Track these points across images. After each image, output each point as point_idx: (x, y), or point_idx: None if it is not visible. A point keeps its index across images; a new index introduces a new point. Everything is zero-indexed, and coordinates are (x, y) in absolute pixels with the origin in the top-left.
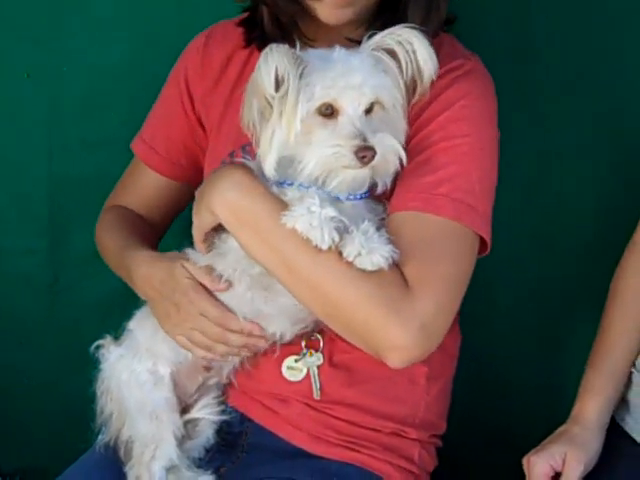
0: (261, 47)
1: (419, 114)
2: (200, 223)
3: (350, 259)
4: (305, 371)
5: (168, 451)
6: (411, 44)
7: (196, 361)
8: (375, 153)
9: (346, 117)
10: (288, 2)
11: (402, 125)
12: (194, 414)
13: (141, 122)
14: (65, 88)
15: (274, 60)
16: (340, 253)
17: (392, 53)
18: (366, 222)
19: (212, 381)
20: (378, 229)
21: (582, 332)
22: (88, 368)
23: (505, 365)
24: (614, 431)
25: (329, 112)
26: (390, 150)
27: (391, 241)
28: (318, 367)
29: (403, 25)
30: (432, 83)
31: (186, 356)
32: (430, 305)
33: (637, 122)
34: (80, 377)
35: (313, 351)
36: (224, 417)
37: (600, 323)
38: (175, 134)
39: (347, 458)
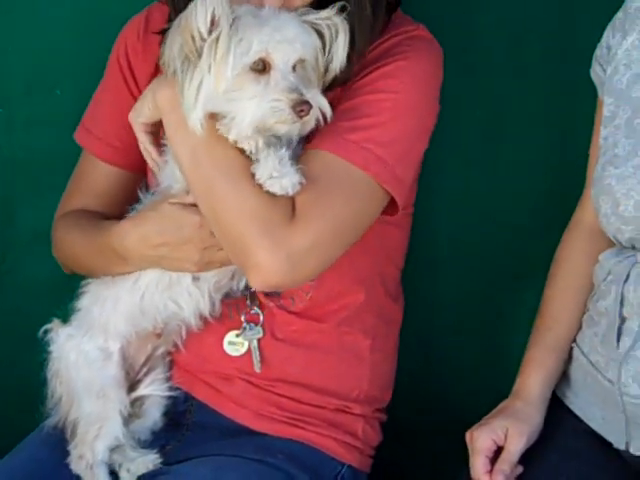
0: None
1: (356, 73)
2: (140, 112)
3: (261, 181)
4: (246, 345)
5: (113, 430)
6: (337, 31)
7: (148, 333)
8: (311, 107)
9: (278, 72)
10: None
11: (314, 84)
12: (142, 391)
13: (86, 100)
14: (10, 67)
15: (212, 3)
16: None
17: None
18: (284, 149)
19: (159, 351)
20: (292, 158)
21: (525, 307)
22: (36, 349)
23: (449, 340)
24: (555, 405)
25: (261, 67)
26: (322, 105)
27: (302, 171)
28: (258, 340)
29: (338, 11)
30: (376, 47)
31: (140, 327)
32: (305, 239)
33: (582, 102)
34: (28, 358)
35: (253, 324)
36: (170, 393)
37: (542, 299)
38: (124, 117)
39: (292, 435)
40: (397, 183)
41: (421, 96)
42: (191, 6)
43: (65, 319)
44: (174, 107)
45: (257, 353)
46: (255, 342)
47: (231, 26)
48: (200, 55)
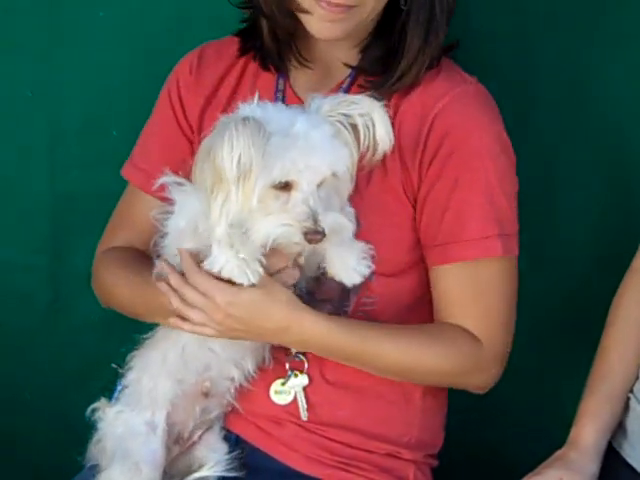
0: (258, 58)
1: (434, 151)
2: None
3: (336, 279)
4: (293, 393)
5: None
6: (371, 117)
7: (194, 389)
8: (323, 236)
9: (300, 193)
10: (285, 16)
11: (348, 189)
12: (205, 472)
13: None
14: (66, 106)
15: (239, 146)
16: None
17: (351, 123)
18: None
19: (211, 415)
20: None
21: (581, 357)
22: (87, 386)
23: (503, 387)
24: (611, 457)
25: (283, 185)
26: (338, 229)
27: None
28: (304, 388)
29: (366, 94)
30: (440, 112)
31: (184, 383)
32: (502, 349)
33: (636, 139)
34: (79, 394)
35: (298, 372)
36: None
37: (598, 348)
38: (172, 151)
39: (342, 479)
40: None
41: (504, 156)
42: (218, 136)
43: (115, 361)
44: (323, 335)
45: (303, 401)
46: (301, 390)
47: (262, 155)
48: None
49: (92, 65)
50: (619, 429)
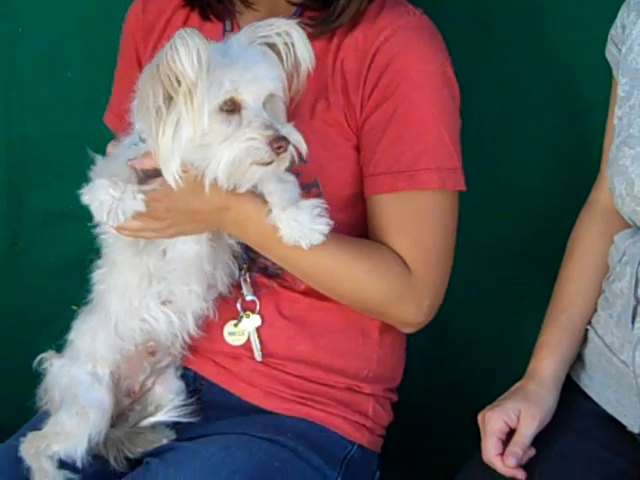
0: (199, 8)
1: (374, 83)
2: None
3: (290, 243)
4: (247, 334)
5: (73, 449)
6: (289, 36)
7: (138, 350)
8: (289, 142)
9: (250, 110)
10: None
11: (284, 114)
12: (160, 417)
13: (97, 82)
14: (21, 49)
15: (195, 45)
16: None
17: (271, 46)
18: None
19: (163, 363)
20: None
21: (540, 289)
22: (48, 328)
23: (464, 322)
24: (569, 388)
25: (230, 107)
26: (297, 141)
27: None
28: (257, 328)
29: (281, 17)
30: (382, 44)
31: (123, 349)
32: (434, 282)
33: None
34: (40, 337)
35: (250, 313)
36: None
37: (556, 281)
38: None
39: (301, 413)
40: (462, 174)
41: (447, 88)
42: (167, 49)
43: (75, 302)
44: (263, 214)
45: (257, 341)
46: (254, 331)
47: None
48: (173, 102)
49: (46, 7)
50: (577, 360)
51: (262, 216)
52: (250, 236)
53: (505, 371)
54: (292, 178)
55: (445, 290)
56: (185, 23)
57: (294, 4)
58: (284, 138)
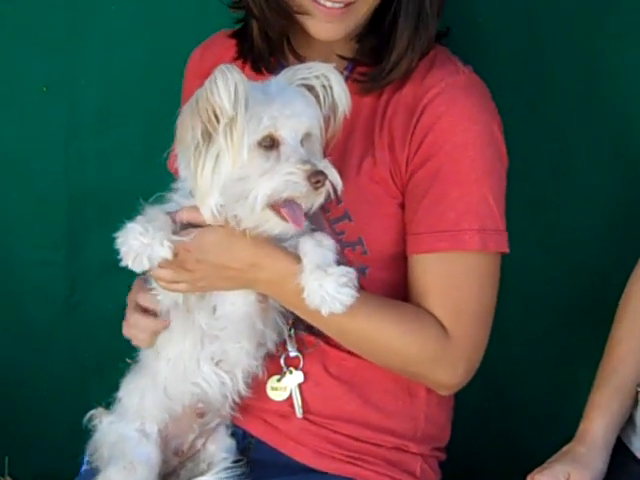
0: (251, 61)
1: (420, 141)
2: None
3: (312, 307)
4: (289, 390)
5: None
6: (327, 79)
7: (187, 412)
8: (327, 177)
9: (288, 146)
10: (277, 17)
11: (321, 156)
12: (210, 477)
13: (157, 133)
14: (82, 101)
15: (233, 79)
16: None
17: (310, 88)
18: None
19: (212, 424)
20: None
21: (593, 347)
22: (103, 379)
23: (515, 380)
24: (620, 451)
25: (269, 143)
26: (333, 177)
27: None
28: (299, 385)
29: (319, 62)
30: (429, 102)
31: (171, 410)
32: (470, 345)
33: None
34: (95, 387)
35: (293, 369)
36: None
37: (608, 341)
38: None
39: (350, 473)
40: (506, 236)
41: (493, 147)
42: (207, 84)
43: (130, 355)
44: (294, 275)
45: (299, 398)
46: (296, 387)
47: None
48: (213, 137)
49: (107, 59)
50: (628, 423)
51: (293, 276)
52: (282, 295)
53: (556, 431)
54: (330, 243)
55: (482, 353)
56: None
57: (346, 59)
58: (322, 172)
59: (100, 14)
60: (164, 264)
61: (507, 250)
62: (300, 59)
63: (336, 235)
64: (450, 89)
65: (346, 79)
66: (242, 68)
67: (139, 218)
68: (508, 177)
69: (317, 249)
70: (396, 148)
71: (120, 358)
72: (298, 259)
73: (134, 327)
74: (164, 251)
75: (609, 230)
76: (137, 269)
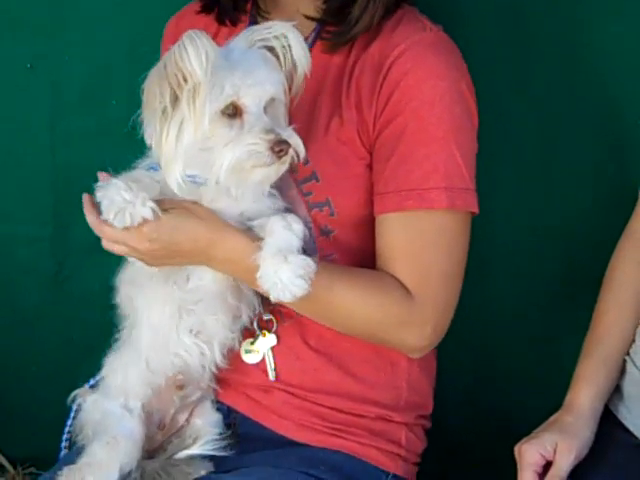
0: (217, 14)
1: (387, 99)
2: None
3: (265, 287)
4: (262, 353)
5: (104, 479)
6: (286, 38)
7: (167, 385)
8: (290, 145)
9: (251, 115)
10: None
11: (285, 122)
12: (196, 450)
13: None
14: (67, 78)
15: (203, 44)
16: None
17: (270, 49)
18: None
19: (195, 396)
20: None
21: (579, 319)
22: (93, 356)
23: (501, 352)
24: (607, 420)
25: (232, 112)
26: (297, 144)
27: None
28: (272, 348)
29: (278, 21)
30: (395, 60)
31: (154, 383)
32: (436, 305)
33: (634, 111)
34: (85, 364)
35: (266, 332)
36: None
37: (594, 311)
38: None
39: (334, 445)
40: (475, 195)
41: (460, 105)
42: (175, 50)
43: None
44: (249, 253)
45: (272, 361)
46: (269, 350)
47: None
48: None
49: (91, 36)
50: (615, 392)
51: (248, 254)
52: (236, 272)
53: (542, 400)
54: (299, 228)
55: (452, 313)
56: (215, 36)
57: (312, 19)
58: (285, 142)
59: None
60: (124, 232)
61: (476, 210)
62: (265, 16)
63: (303, 196)
64: (416, 46)
65: (314, 39)
66: (217, 32)
67: (123, 176)
68: (495, 154)
69: (284, 232)
70: (363, 107)
71: (108, 335)
72: (255, 238)
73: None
74: (145, 211)
75: (596, 204)
76: (118, 224)
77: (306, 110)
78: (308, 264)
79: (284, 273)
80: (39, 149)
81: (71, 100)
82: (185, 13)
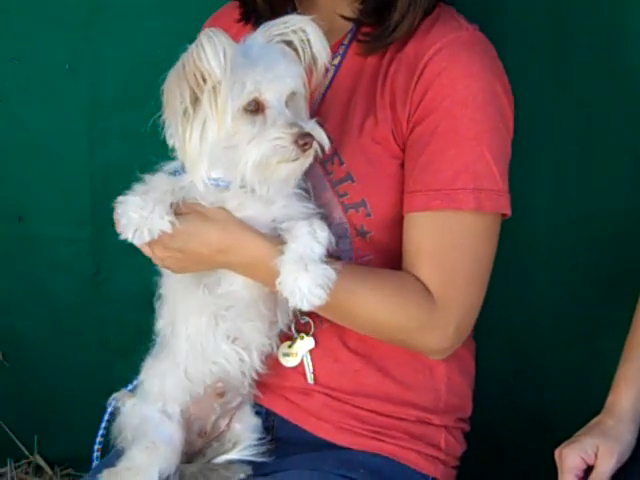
0: (254, 24)
1: (421, 98)
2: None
3: (284, 294)
4: (300, 356)
5: None
6: (305, 32)
7: (207, 392)
8: (313, 138)
9: (273, 109)
10: None
11: (307, 115)
12: (234, 455)
13: None
14: (104, 78)
15: (221, 43)
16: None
17: (288, 43)
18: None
19: (235, 402)
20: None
21: (620, 321)
22: (130, 357)
23: (542, 350)
24: None
25: (254, 108)
26: (320, 137)
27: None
28: (310, 351)
29: (295, 14)
30: (431, 59)
31: (193, 392)
32: (459, 307)
33: None
34: (122, 365)
35: (304, 335)
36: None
37: (635, 312)
38: None
39: (373, 448)
40: (506, 199)
41: (494, 105)
42: (193, 49)
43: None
44: (269, 257)
45: (310, 363)
46: (307, 353)
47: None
48: (200, 102)
49: (129, 36)
50: None
51: (270, 258)
52: (257, 277)
53: (583, 403)
54: (324, 236)
55: (475, 315)
56: None
57: (349, 19)
58: (309, 134)
59: None
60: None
61: (508, 212)
62: None
63: (339, 197)
64: (452, 45)
65: (350, 40)
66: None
67: (137, 188)
68: (533, 149)
69: (308, 238)
70: (397, 106)
71: (146, 336)
72: (275, 240)
73: None
74: (164, 224)
75: (637, 199)
76: (138, 242)
77: (341, 111)
78: (328, 274)
79: (304, 281)
80: (77, 150)
81: (109, 100)
82: (221, 14)
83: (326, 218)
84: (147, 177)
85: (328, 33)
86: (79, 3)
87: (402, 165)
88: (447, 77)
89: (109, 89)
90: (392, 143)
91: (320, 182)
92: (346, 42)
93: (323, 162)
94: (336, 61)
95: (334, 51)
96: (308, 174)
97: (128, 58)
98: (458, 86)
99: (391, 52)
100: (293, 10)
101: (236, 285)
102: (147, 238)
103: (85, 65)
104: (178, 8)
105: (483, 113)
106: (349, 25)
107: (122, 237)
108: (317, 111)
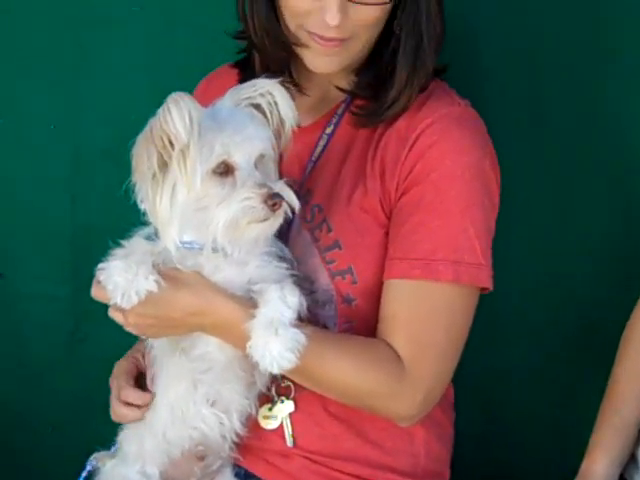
0: None
1: (410, 169)
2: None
3: (255, 359)
4: (280, 419)
5: None
6: (272, 95)
7: (186, 456)
8: (283, 199)
9: (243, 171)
10: (277, 49)
11: (276, 177)
12: None
13: None
14: (86, 138)
15: (187, 106)
16: None
17: (257, 106)
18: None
19: (215, 466)
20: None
21: (594, 381)
22: (109, 417)
23: (515, 413)
24: None
25: (224, 170)
26: (289, 198)
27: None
28: (290, 414)
29: (264, 76)
30: (422, 132)
31: (171, 454)
32: (428, 378)
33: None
34: (100, 424)
35: (284, 398)
36: None
37: (609, 380)
38: None
39: None
40: (487, 272)
41: (480, 181)
42: (160, 112)
43: None
44: (241, 320)
45: (289, 427)
46: (287, 416)
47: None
48: (169, 165)
49: (112, 98)
50: (631, 460)
51: (240, 321)
52: (229, 339)
53: (556, 465)
54: (295, 301)
55: (445, 386)
56: None
57: (344, 91)
58: (278, 195)
59: (106, 52)
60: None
61: (487, 285)
62: (299, 90)
63: (326, 264)
64: (444, 119)
65: (343, 111)
66: None
67: (117, 252)
68: (508, 216)
69: (278, 303)
70: (387, 177)
71: None
72: (247, 304)
73: (122, 418)
74: (149, 284)
75: (611, 263)
76: (126, 305)
77: (331, 179)
78: (298, 338)
79: (274, 345)
80: (59, 208)
81: (90, 159)
82: (215, 76)
83: (312, 283)
84: (124, 242)
85: (323, 101)
86: (64, 63)
87: (387, 234)
88: (437, 150)
89: (91, 148)
90: (380, 212)
91: (308, 249)
92: (340, 112)
93: (312, 229)
94: (329, 130)
95: (328, 120)
96: (297, 240)
97: (110, 118)
98: (447, 160)
99: (383, 125)
100: (290, 76)
101: (211, 346)
102: (135, 300)
103: (68, 124)
104: (163, 69)
105: (469, 188)
106: (344, 95)
107: (111, 302)
108: (308, 179)
